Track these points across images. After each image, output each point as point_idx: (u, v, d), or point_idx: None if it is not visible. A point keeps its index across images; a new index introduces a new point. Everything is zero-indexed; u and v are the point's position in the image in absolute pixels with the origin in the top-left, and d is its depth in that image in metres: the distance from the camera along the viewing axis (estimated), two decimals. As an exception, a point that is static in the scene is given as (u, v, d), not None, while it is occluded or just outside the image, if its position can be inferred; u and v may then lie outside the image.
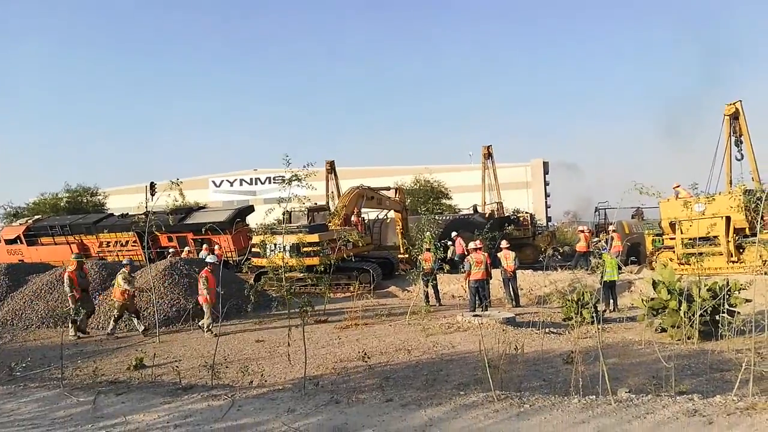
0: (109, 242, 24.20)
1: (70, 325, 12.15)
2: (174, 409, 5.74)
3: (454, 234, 21.04)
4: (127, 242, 23.76)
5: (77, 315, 11.82)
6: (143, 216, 23.33)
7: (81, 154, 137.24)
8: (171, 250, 21.41)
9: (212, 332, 11.36)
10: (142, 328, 12.19)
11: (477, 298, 13.47)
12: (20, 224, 27.27)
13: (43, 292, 14.64)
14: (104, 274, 15.37)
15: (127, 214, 26.66)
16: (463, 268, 14.11)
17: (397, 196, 22.68)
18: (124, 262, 13.36)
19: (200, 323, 11.93)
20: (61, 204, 37.38)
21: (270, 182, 62.14)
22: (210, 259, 12.56)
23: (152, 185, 31.38)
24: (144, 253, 19.35)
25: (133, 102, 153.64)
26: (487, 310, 12.77)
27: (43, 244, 25.17)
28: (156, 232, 21.30)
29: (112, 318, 12.18)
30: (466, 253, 15.96)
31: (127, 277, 12.16)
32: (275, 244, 14.24)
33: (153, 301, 12.61)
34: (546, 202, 58.88)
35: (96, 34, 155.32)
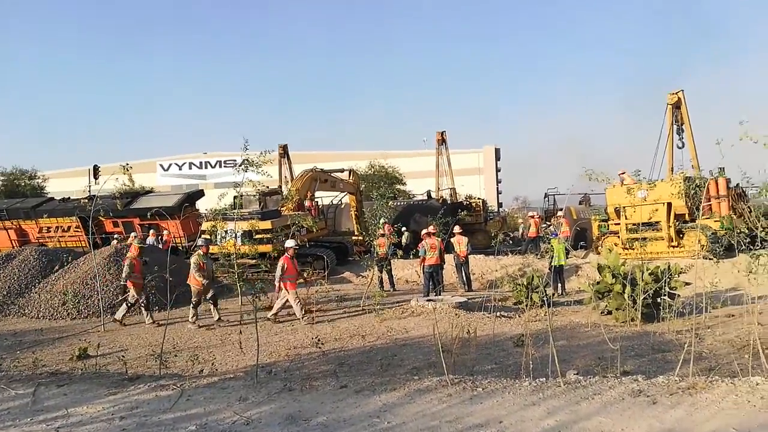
0: (49, 227, 23.17)
1: (144, 312, 11.44)
2: (119, 401, 5.54)
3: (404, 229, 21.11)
4: (69, 228, 22.80)
5: (134, 303, 11.34)
6: (87, 200, 22.43)
7: (17, 135, 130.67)
8: (116, 236, 20.69)
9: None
10: (217, 316, 11.09)
11: (431, 282, 13.59)
12: (-48, 209, 25.74)
13: (-23, 279, 13.90)
14: (44, 261, 14.72)
15: (69, 198, 25.56)
16: (418, 253, 14.18)
17: (351, 178, 22.57)
18: (199, 242, 11.63)
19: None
20: (-3, 188, 35.54)
21: (221, 166, 60.86)
22: (289, 243, 11.62)
23: (96, 168, 30.17)
24: (88, 239, 18.61)
25: (74, 79, 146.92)
26: (440, 295, 12.90)
27: (-23, 230, 23.86)
28: (101, 217, 20.53)
29: (191, 305, 11.05)
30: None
31: (198, 261, 10.99)
32: (226, 231, 13.94)
33: (97, 289, 12.15)
34: (498, 188, 59.98)
35: (41, 3, 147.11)
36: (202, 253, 11.18)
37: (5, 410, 5.56)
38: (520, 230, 31.24)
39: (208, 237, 12.22)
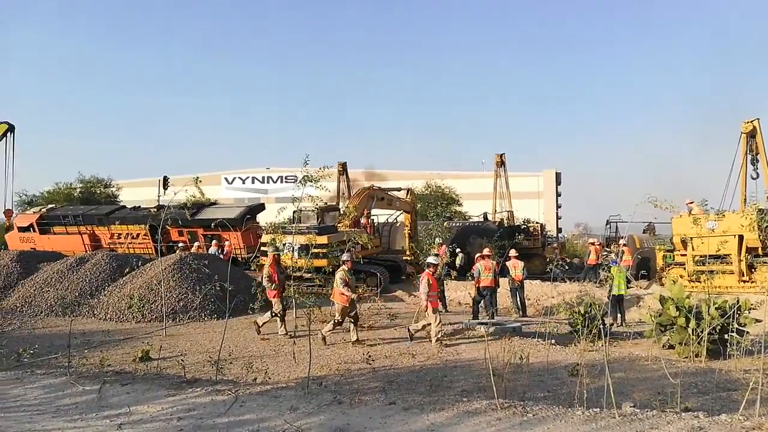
0: (120, 234, 24.38)
1: (279, 323, 11.11)
2: (178, 402, 5.78)
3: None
4: (138, 235, 23.92)
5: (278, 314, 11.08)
6: (156, 209, 23.51)
7: (96, 146, 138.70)
8: (181, 244, 21.55)
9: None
10: (356, 337, 10.50)
11: (483, 305, 13.43)
12: (34, 212, 27.54)
13: (53, 280, 14.80)
14: (114, 265, 15.50)
15: (140, 206, 26.86)
16: (473, 275, 14.02)
17: (408, 197, 22.65)
18: (344, 258, 10.97)
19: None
20: (75, 194, 37.72)
21: (282, 181, 62.31)
22: (431, 259, 11.14)
23: (165, 179, 31.58)
24: (155, 246, 19.46)
25: (149, 96, 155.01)
26: (494, 318, 12.72)
27: (55, 233, 25.39)
28: (167, 226, 21.45)
29: (332, 322, 10.48)
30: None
31: (344, 277, 10.41)
32: (284, 244, 14.28)
33: (161, 294, 12.68)
34: (557, 213, 58.59)
35: (114, 27, 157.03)
36: (347, 268, 10.67)
37: (73, 404, 5.90)
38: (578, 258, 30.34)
39: (350, 251, 11.70)
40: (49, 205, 29.66)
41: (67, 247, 23.94)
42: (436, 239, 18.20)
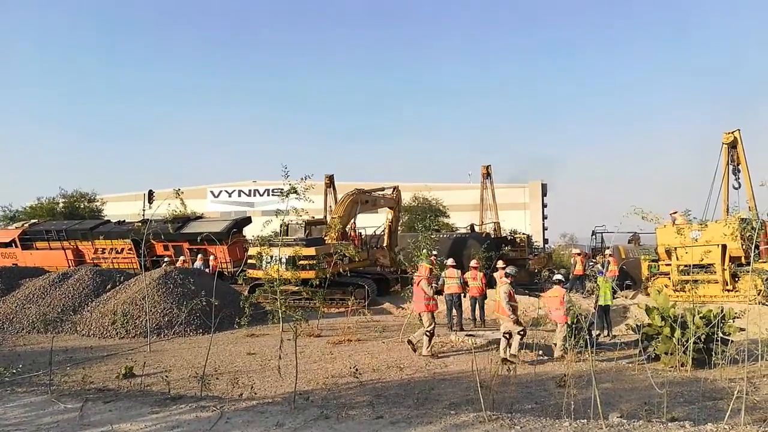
0: (104, 249, 24.12)
1: (428, 341, 10.38)
2: (162, 419, 5.69)
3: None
4: (122, 249, 23.69)
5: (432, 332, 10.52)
6: (141, 224, 23.29)
7: (79, 160, 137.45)
8: (166, 258, 21.34)
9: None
10: (512, 351, 9.73)
11: (456, 312, 13.60)
12: (16, 227, 27.18)
13: (35, 296, 14.57)
14: (98, 280, 15.31)
15: (124, 221, 26.62)
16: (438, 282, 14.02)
17: (393, 193, 22.70)
18: (509, 271, 10.75)
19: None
20: (58, 209, 37.30)
21: (269, 194, 62.15)
22: (510, 270, 10.86)
23: (150, 193, 31.38)
24: (139, 261, 19.26)
25: (132, 110, 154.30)
26: (480, 329, 12.72)
27: (38, 249, 25.07)
28: (152, 241, 21.26)
29: (519, 338, 9.82)
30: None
31: (509, 290, 10.06)
32: (271, 256, 14.21)
33: (146, 310, 12.53)
34: (543, 224, 58.98)
35: (98, 40, 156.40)
36: (510, 282, 10.32)
37: (54, 423, 5.78)
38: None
39: (513, 267, 11.38)
40: (32, 221, 29.30)
41: (50, 262, 23.64)
42: (423, 250, 18.20)
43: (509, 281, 10.35)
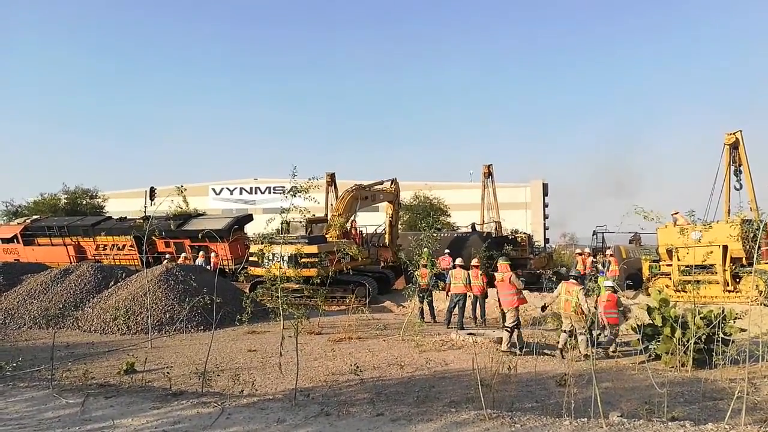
0: (105, 245, 24.16)
1: (508, 336, 10.35)
2: (163, 415, 5.70)
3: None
4: (124, 246, 23.72)
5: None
6: (142, 220, 23.34)
7: (82, 157, 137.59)
8: (167, 255, 21.37)
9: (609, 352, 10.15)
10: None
11: (453, 311, 13.63)
12: (18, 223, 27.25)
13: (37, 292, 14.61)
14: (99, 276, 15.34)
15: (126, 217, 26.65)
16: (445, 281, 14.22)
17: (392, 186, 22.71)
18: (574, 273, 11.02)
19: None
20: (60, 205, 37.36)
21: (270, 192, 62.17)
22: (609, 283, 11.00)
23: (152, 190, 31.39)
24: (141, 257, 19.30)
25: (136, 107, 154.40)
26: (481, 328, 12.73)
27: (39, 245, 25.12)
28: (154, 237, 21.28)
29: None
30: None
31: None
32: (273, 254, 14.23)
33: (147, 306, 12.55)
34: (544, 223, 58.93)
35: (101, 38, 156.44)
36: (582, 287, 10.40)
37: (56, 418, 5.80)
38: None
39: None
40: (34, 217, 29.36)
41: (52, 258, 23.69)
42: (425, 249, 18.24)
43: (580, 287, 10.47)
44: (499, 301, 12.09)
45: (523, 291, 14.73)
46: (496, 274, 11.49)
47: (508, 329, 10.45)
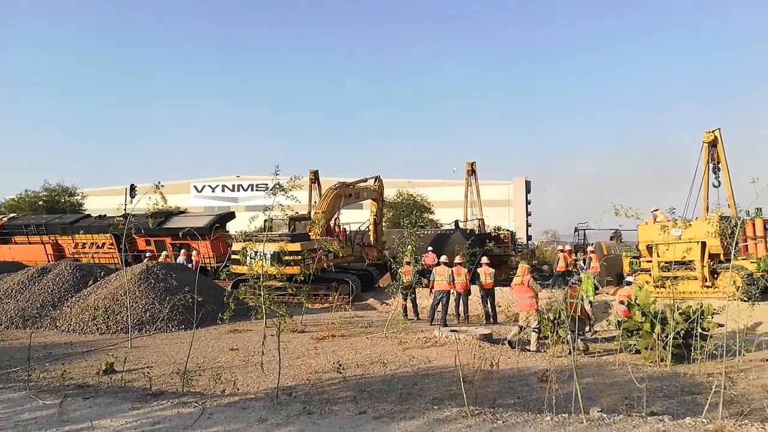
0: (84, 243, 23.82)
1: (534, 337, 10.62)
2: (142, 416, 5.63)
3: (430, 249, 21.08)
4: (103, 244, 23.41)
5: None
6: (122, 218, 23.01)
7: (61, 155, 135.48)
8: (148, 253, 21.13)
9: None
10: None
11: (441, 309, 13.74)
12: (-6, 222, 26.73)
13: (14, 291, 14.36)
14: (78, 275, 15.11)
15: (105, 215, 26.28)
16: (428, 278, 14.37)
17: (375, 184, 22.72)
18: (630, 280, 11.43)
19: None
20: (40, 202, 36.75)
21: (253, 189, 61.79)
22: (629, 279, 11.55)
23: (132, 187, 30.97)
24: (120, 255, 19.05)
25: (115, 104, 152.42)
26: (464, 324, 12.79)
27: (17, 243, 24.71)
28: (134, 235, 20.99)
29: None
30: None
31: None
32: (256, 252, 14.12)
33: (127, 305, 12.39)
34: (527, 220, 59.40)
35: (82, 36, 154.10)
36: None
37: (33, 420, 5.69)
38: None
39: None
40: (11, 215, 28.82)
41: (29, 257, 23.31)
42: (408, 246, 18.27)
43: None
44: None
45: (495, 287, 14.91)
46: (514, 277, 11.63)
47: (536, 329, 10.68)
